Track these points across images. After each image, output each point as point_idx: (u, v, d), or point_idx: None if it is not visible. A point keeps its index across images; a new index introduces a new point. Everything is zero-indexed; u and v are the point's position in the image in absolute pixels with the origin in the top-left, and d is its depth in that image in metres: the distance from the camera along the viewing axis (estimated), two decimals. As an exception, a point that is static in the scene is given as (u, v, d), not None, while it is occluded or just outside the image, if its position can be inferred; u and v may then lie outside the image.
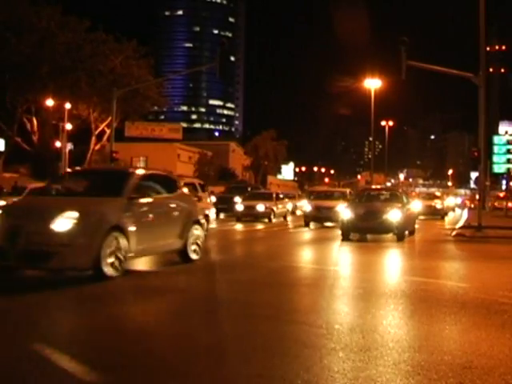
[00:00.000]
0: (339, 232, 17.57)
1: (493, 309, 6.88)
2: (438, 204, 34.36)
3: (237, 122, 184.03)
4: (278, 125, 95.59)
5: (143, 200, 9.16)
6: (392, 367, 4.44)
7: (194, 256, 10.32)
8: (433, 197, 37.56)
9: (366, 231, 17.52)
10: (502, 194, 62.10)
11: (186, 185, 25.36)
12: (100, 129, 43.64)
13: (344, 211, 17.54)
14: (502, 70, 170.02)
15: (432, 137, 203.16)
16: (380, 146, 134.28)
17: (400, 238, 16.63)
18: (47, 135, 42.10)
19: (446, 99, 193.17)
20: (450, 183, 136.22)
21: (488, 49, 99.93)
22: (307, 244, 17.85)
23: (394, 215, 16.61)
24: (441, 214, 34.28)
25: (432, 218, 32.78)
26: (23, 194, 23.62)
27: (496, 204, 49.54)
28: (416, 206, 35.86)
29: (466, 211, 46.76)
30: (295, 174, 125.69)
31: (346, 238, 16.89)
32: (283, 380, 4.20)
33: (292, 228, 25.59)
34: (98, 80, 39.38)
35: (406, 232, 17.79)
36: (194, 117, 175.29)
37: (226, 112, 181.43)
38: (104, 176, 10.29)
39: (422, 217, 32.57)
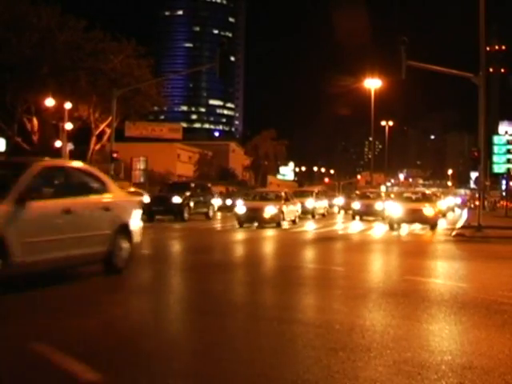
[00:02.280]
0: None
1: (493, 309, 6.89)
2: (426, 209, 22.98)
3: (237, 122, 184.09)
4: (278, 125, 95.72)
5: None
6: (392, 367, 4.44)
7: None
8: (421, 198, 25.84)
9: None
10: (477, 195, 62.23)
11: None
12: (100, 129, 43.65)
13: None
14: (502, 70, 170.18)
15: (432, 137, 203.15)
16: (380, 146, 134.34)
17: None
18: (47, 135, 42.05)
19: (446, 99, 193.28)
20: (449, 183, 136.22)
21: (488, 49, 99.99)
22: None
23: None
24: (430, 222, 22.96)
25: (417, 229, 23.22)
26: None
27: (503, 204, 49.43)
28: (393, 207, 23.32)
29: (465, 211, 46.74)
30: (295, 173, 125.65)
31: None
32: (283, 380, 4.20)
33: None
34: (98, 79, 39.40)
35: None
36: (194, 117, 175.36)
37: (226, 112, 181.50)
38: None
39: (406, 225, 23.68)
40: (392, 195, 35.71)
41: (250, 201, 25.63)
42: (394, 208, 23.23)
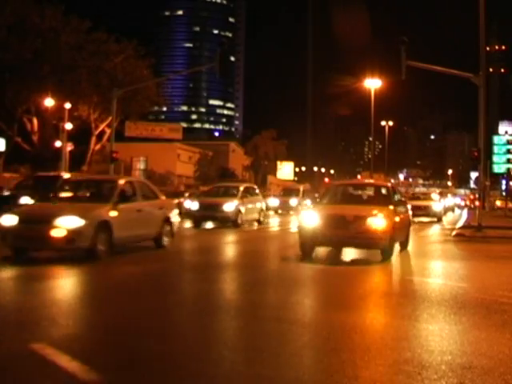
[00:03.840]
0: None
1: (493, 309, 6.89)
2: (376, 219, 11.20)
3: (237, 122, 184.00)
4: (278, 125, 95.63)
5: None
6: (392, 367, 4.44)
7: None
8: (374, 198, 13.71)
9: None
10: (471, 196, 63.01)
11: None
12: (100, 129, 43.65)
13: None
14: (502, 70, 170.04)
15: (432, 137, 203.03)
16: (380, 146, 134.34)
17: None
18: (47, 135, 42.04)
19: (446, 99, 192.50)
20: (449, 183, 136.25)
21: (488, 49, 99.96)
22: None
23: None
24: (379, 245, 11.27)
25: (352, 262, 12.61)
26: None
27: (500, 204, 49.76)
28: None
29: (465, 211, 46.73)
30: (295, 173, 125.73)
31: None
32: (283, 380, 4.20)
33: None
34: (99, 80, 39.39)
35: None
36: (194, 117, 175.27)
37: (226, 112, 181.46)
38: None
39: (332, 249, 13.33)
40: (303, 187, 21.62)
41: (41, 202, 13.35)
42: (310, 216, 11.85)
